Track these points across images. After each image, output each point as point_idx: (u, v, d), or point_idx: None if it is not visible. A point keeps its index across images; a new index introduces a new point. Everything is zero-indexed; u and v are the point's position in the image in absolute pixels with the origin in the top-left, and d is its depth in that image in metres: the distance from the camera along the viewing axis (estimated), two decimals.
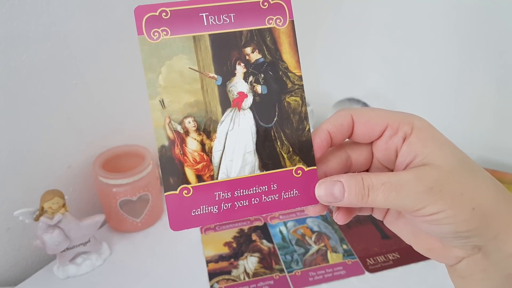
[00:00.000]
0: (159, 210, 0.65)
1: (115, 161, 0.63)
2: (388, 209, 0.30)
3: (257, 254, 0.58)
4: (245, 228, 0.63)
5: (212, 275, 0.55)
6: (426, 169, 0.24)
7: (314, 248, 0.59)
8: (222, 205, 0.26)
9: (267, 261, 0.57)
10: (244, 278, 0.54)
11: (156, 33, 0.25)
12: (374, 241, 0.60)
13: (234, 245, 0.60)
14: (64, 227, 0.52)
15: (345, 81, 0.88)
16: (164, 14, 0.25)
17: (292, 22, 0.27)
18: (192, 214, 0.26)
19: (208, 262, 0.57)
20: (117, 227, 0.62)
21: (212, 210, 0.26)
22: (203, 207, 0.26)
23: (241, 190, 0.27)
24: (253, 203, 0.27)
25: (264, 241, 0.61)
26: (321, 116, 0.89)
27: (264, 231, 0.63)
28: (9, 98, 0.51)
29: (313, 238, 0.61)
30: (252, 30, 0.27)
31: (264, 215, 0.27)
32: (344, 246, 0.59)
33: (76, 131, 0.60)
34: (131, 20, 0.68)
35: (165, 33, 0.25)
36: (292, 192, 0.27)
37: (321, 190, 0.26)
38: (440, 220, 0.24)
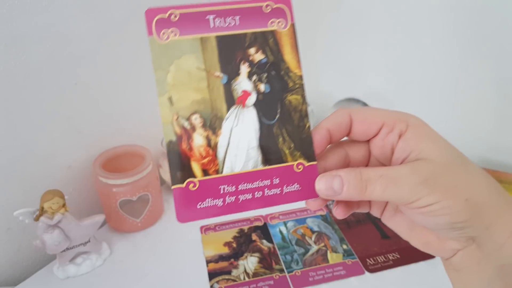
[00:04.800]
0: (159, 210, 0.65)
1: (115, 161, 0.63)
2: (386, 205, 0.31)
3: (257, 254, 0.58)
4: (245, 228, 0.63)
5: (212, 275, 0.55)
6: (421, 163, 0.26)
7: (314, 248, 0.59)
8: (227, 198, 0.27)
9: (267, 261, 0.57)
10: (244, 278, 0.54)
11: (165, 34, 0.27)
12: (374, 241, 0.60)
13: (234, 245, 0.60)
14: (64, 227, 0.52)
15: (345, 81, 0.88)
16: (173, 16, 0.27)
17: (293, 25, 0.29)
18: (198, 206, 0.27)
19: (208, 262, 0.57)
20: (117, 227, 0.62)
21: (217, 203, 0.27)
22: (208, 200, 0.27)
23: (245, 184, 0.28)
24: (256, 196, 0.28)
25: (264, 241, 0.61)
26: (321, 116, 0.89)
27: (264, 231, 0.63)
28: (9, 98, 0.50)
29: (313, 238, 0.61)
30: (255, 32, 0.28)
31: (266, 208, 0.28)
32: (344, 246, 0.59)
33: (76, 131, 0.60)
34: (131, 21, 0.68)
35: (174, 34, 0.27)
36: (293, 186, 0.28)
37: (321, 184, 0.27)
38: (435, 211, 0.25)
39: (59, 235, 0.51)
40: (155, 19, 0.27)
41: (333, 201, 0.29)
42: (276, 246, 0.60)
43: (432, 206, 0.24)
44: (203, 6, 0.27)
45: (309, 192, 0.28)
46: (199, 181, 0.27)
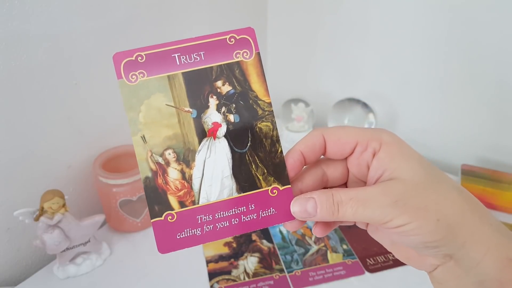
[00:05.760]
0: None
1: (115, 161, 0.63)
2: None
3: (257, 254, 0.58)
4: None
5: (212, 275, 0.55)
6: (392, 184, 0.26)
7: (314, 248, 0.59)
8: (205, 227, 0.28)
9: (267, 261, 0.57)
10: (244, 278, 0.54)
11: (134, 76, 0.28)
12: (374, 241, 0.59)
13: (234, 245, 0.60)
14: (64, 227, 0.52)
15: (345, 81, 0.88)
16: (140, 58, 0.28)
17: (258, 54, 0.29)
18: (178, 237, 0.28)
19: (208, 262, 0.57)
20: (117, 227, 0.62)
21: (195, 233, 0.28)
22: (187, 230, 0.28)
23: (221, 212, 0.28)
24: (233, 223, 0.28)
25: (264, 241, 0.61)
26: (321, 116, 0.89)
27: (264, 231, 0.63)
28: (9, 98, 0.51)
29: (313, 238, 0.61)
30: (221, 65, 0.29)
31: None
32: (344, 246, 0.59)
33: (76, 131, 0.60)
34: (131, 21, 0.68)
35: (142, 75, 0.28)
36: (269, 210, 0.29)
37: (295, 207, 0.28)
38: (407, 232, 0.25)
39: (59, 235, 0.51)
40: (123, 62, 0.27)
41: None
42: (276, 246, 0.60)
43: (404, 227, 0.25)
44: (168, 45, 0.28)
45: (285, 215, 0.29)
46: (177, 213, 0.28)
